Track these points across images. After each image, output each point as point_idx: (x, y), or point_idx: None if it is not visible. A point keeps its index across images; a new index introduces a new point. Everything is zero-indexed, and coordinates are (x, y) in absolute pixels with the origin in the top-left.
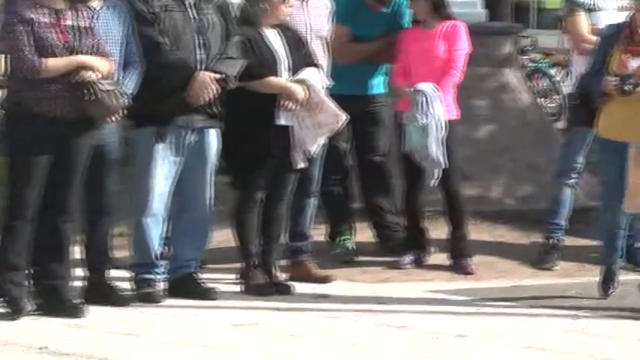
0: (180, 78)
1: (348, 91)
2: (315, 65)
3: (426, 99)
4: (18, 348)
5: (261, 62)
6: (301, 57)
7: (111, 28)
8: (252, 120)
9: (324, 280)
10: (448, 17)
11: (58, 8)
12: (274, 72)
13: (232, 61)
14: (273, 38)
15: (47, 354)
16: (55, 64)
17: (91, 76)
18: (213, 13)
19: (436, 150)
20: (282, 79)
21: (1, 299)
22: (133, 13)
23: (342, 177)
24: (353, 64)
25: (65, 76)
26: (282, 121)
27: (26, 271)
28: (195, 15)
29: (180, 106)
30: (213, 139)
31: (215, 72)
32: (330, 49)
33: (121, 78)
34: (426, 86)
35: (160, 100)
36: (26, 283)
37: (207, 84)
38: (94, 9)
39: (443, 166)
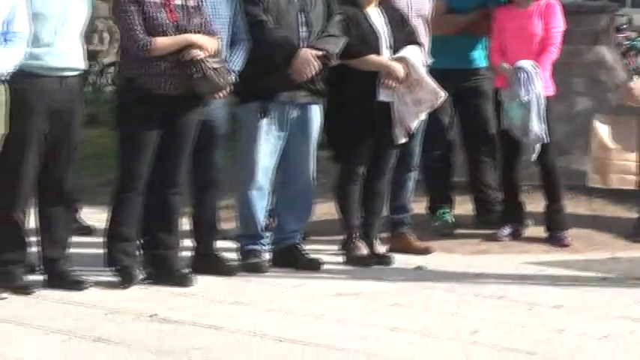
0: (284, 55)
1: (450, 65)
2: (417, 43)
3: (527, 76)
4: (129, 315)
5: (364, 40)
6: (402, 35)
7: (218, 7)
8: (354, 96)
9: (423, 251)
10: None
11: None
12: (376, 50)
13: (334, 38)
14: (376, 17)
15: (157, 321)
16: (164, 42)
17: (199, 54)
18: None
19: (537, 126)
20: (384, 57)
21: (113, 269)
22: None
23: (444, 151)
24: (449, 35)
25: (174, 54)
26: (382, 97)
27: (137, 242)
28: None
29: (284, 83)
30: (316, 114)
31: (317, 49)
32: (430, 25)
33: (228, 55)
34: (526, 63)
35: (265, 77)
36: (137, 253)
37: (309, 61)
38: None
39: (544, 142)
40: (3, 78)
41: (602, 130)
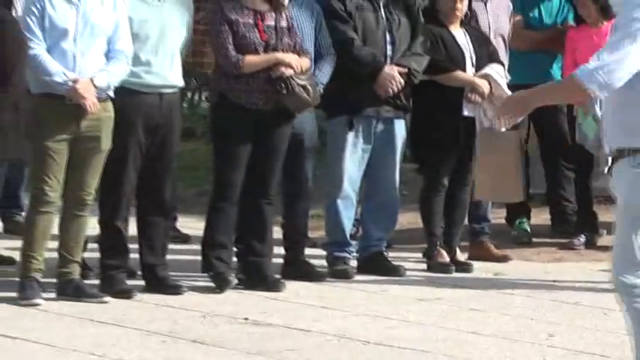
0: (370, 72)
1: (527, 79)
2: (499, 62)
3: None
4: (223, 318)
5: (450, 58)
6: (485, 54)
7: (303, 25)
8: (440, 110)
9: (501, 259)
10: (613, 17)
11: (260, 10)
12: (461, 67)
13: (418, 57)
14: (461, 37)
15: (249, 324)
16: (253, 60)
17: (287, 71)
18: (401, 13)
19: None
20: (468, 73)
21: (209, 274)
22: (328, 10)
23: None
24: (527, 50)
25: (265, 72)
26: (467, 112)
27: (231, 249)
28: (386, 14)
29: (370, 98)
30: (400, 128)
31: (401, 66)
32: (508, 41)
33: (313, 70)
34: None
35: (351, 92)
36: (231, 259)
37: (393, 77)
38: (285, 6)
39: None
40: (109, 93)
41: None
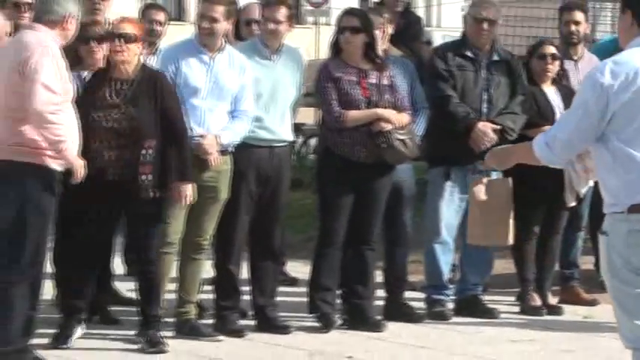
0: (464, 127)
1: None
2: None
3: None
4: (329, 356)
5: (541, 114)
6: None
7: (400, 82)
8: (529, 164)
9: (591, 303)
10: None
11: (363, 68)
12: (551, 123)
13: (514, 116)
14: (552, 94)
15: None
16: (356, 115)
17: (386, 126)
18: (502, 74)
19: None
20: None
21: (315, 315)
22: (431, 68)
23: None
24: None
25: (366, 126)
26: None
27: (336, 292)
28: (486, 74)
29: (466, 151)
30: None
31: (495, 124)
32: None
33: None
34: None
35: (449, 145)
36: (335, 301)
37: (485, 134)
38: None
39: None
40: (230, 149)
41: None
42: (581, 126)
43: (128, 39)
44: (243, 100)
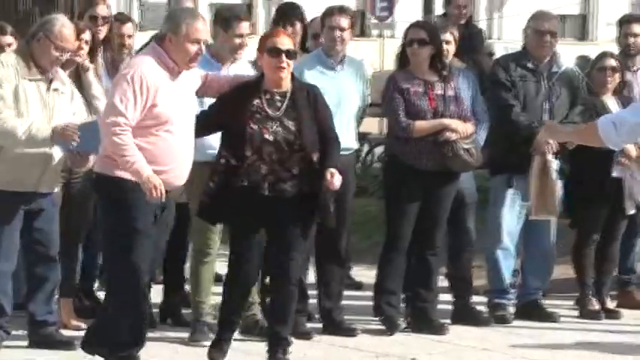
0: (526, 136)
1: None
2: None
3: None
4: (393, 359)
5: None
6: None
7: (465, 93)
8: (591, 172)
9: None
10: None
11: (429, 80)
12: None
13: (575, 125)
14: (613, 104)
15: None
16: (422, 126)
17: (451, 136)
18: (564, 86)
19: None
20: None
21: (380, 318)
22: (494, 78)
23: None
24: None
25: (432, 136)
26: (616, 173)
27: (400, 295)
28: (547, 85)
29: (527, 159)
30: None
31: None
32: None
33: None
34: None
35: (511, 154)
36: (400, 305)
37: (547, 142)
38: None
39: None
40: None
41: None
42: None
43: (291, 55)
44: None
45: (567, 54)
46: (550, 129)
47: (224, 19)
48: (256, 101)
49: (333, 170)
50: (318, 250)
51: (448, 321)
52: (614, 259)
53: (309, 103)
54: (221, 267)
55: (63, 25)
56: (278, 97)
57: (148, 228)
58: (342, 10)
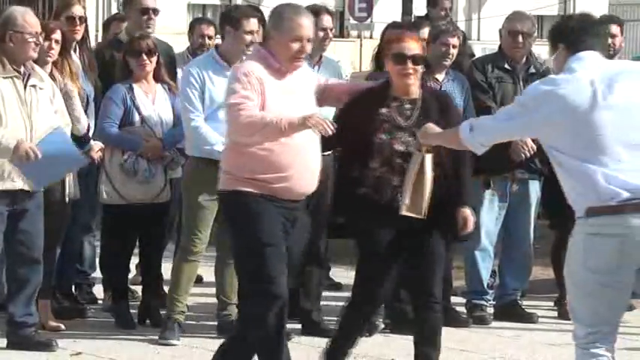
0: None
1: None
2: None
3: None
4: (373, 359)
5: None
6: None
7: (455, 97)
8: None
9: (627, 308)
10: None
11: None
12: None
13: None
14: None
15: None
16: None
17: None
18: None
19: None
20: None
21: None
22: (470, 81)
23: None
24: None
25: None
26: None
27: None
28: (524, 86)
29: (506, 161)
30: (535, 188)
31: None
32: None
33: None
34: None
35: (489, 155)
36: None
37: (525, 144)
38: (440, 81)
39: None
40: None
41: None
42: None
43: (417, 61)
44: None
45: (545, 55)
46: (424, 131)
47: (233, 18)
48: (384, 110)
49: (466, 212)
50: None
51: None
52: None
53: (440, 112)
54: (202, 269)
55: (23, 13)
56: (408, 105)
57: (277, 241)
58: (325, 9)
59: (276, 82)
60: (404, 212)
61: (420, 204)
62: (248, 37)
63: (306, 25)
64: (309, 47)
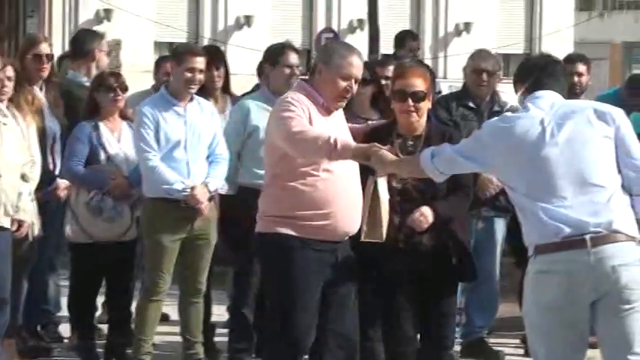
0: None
1: None
2: None
3: None
4: None
5: None
6: None
7: None
8: None
9: (593, 345)
10: None
11: (371, 119)
12: None
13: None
14: None
15: None
16: None
17: None
18: None
19: None
20: None
21: None
22: (435, 119)
23: None
24: None
25: None
26: None
27: None
28: None
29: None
30: (500, 226)
31: None
32: None
33: None
34: None
35: None
36: None
37: (491, 181)
38: None
39: None
40: (214, 194)
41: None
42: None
43: (418, 98)
44: (217, 144)
45: (513, 92)
46: (378, 160)
47: (177, 54)
48: (387, 147)
49: (425, 210)
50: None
51: None
52: None
53: None
54: (167, 308)
55: None
56: (411, 142)
57: (312, 287)
58: (293, 47)
59: (321, 117)
60: (363, 238)
61: (378, 229)
62: (188, 74)
63: (357, 64)
64: (355, 88)
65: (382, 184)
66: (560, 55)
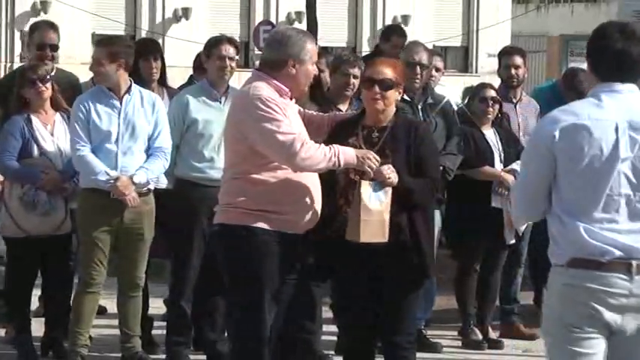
0: None
1: None
2: None
3: None
4: None
5: (480, 155)
6: (514, 152)
7: None
8: (470, 202)
9: (530, 337)
10: None
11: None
12: (490, 163)
13: (452, 156)
14: (491, 136)
15: None
16: None
17: None
18: (438, 116)
19: None
20: (496, 169)
21: None
22: None
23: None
24: None
25: None
26: (495, 204)
27: None
28: (423, 117)
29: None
30: (436, 218)
31: None
32: None
33: None
34: None
35: None
36: None
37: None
38: (344, 111)
39: None
40: (150, 187)
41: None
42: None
43: (386, 86)
44: (158, 138)
45: (450, 85)
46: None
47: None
48: (352, 139)
49: (392, 167)
50: (202, 281)
51: (332, 352)
52: (496, 288)
53: (407, 140)
54: (105, 301)
55: None
56: (376, 134)
57: (279, 280)
58: (230, 40)
59: (292, 112)
60: (362, 240)
61: (355, 229)
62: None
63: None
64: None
65: (365, 187)
66: (498, 47)
